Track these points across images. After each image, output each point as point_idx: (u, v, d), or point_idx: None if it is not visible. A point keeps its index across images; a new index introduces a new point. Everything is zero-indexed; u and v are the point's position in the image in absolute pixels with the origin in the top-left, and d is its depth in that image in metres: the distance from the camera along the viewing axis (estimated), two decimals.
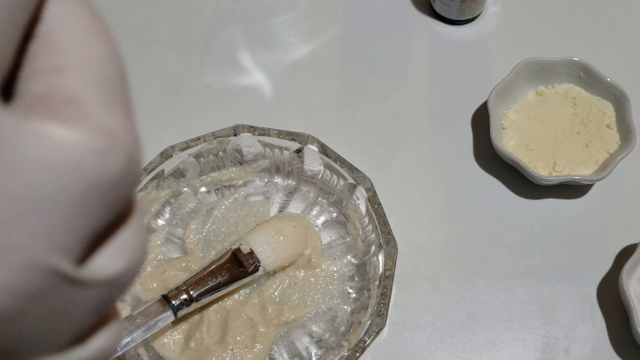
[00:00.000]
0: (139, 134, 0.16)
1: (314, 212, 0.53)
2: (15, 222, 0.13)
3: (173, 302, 0.44)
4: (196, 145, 0.50)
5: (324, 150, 0.50)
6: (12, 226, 0.13)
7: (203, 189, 0.53)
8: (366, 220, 0.50)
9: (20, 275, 0.13)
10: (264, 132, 0.51)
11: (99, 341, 0.16)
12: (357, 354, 0.45)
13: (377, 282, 0.47)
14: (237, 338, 0.47)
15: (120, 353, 0.43)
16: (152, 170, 0.49)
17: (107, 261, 0.15)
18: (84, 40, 0.15)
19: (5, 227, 0.13)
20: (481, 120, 0.58)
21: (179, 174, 0.51)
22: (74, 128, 0.14)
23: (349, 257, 0.51)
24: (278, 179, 0.54)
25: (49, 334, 0.15)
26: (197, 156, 0.51)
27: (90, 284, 0.15)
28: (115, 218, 0.15)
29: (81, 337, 0.15)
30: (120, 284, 0.16)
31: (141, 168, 0.16)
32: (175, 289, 0.45)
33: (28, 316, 0.14)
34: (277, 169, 0.53)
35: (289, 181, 0.54)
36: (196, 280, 0.46)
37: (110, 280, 0.15)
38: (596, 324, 0.51)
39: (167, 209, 0.52)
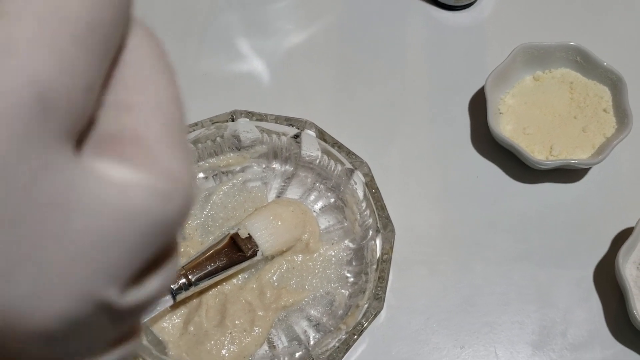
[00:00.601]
0: (195, 173, 0.17)
1: (312, 197, 0.53)
2: (79, 256, 0.14)
3: (172, 286, 0.45)
4: (194, 131, 0.50)
5: (322, 135, 0.50)
6: (75, 260, 0.14)
7: (201, 175, 0.53)
8: (364, 205, 0.50)
9: (75, 304, 0.14)
10: (261, 117, 0.51)
11: (154, 283, 0.17)
12: (355, 337, 0.45)
13: (375, 266, 0.47)
14: (236, 322, 0.47)
15: None
16: None
17: (149, 289, 0.16)
18: (153, 77, 0.16)
19: (68, 259, 0.14)
20: (478, 105, 0.58)
21: None
22: (140, 171, 0.14)
23: (346, 241, 0.51)
24: (276, 165, 0.54)
25: (89, 347, 0.16)
26: (195, 142, 0.51)
27: (132, 311, 0.16)
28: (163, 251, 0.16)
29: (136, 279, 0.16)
30: (152, 304, 0.17)
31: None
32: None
33: (74, 336, 0.15)
34: (274, 154, 0.53)
35: (287, 167, 0.54)
36: (195, 265, 0.46)
37: (148, 305, 0.16)
38: (593, 307, 0.51)
39: None
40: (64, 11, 0.13)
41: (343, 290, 0.50)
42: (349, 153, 0.50)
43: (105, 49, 0.14)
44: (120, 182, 0.14)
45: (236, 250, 0.47)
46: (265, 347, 0.48)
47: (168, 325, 0.48)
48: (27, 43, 0.13)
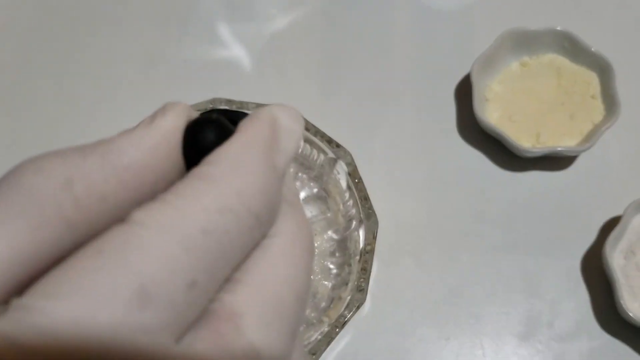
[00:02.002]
0: (292, 350, 0.17)
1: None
2: None
3: None
4: None
5: (304, 124, 0.49)
6: None
7: None
8: (347, 195, 0.49)
9: None
10: (242, 105, 0.49)
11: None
12: (337, 330, 0.44)
13: (358, 258, 0.46)
14: None
15: None
16: None
17: None
18: (272, 261, 0.17)
19: None
20: (465, 92, 0.57)
21: None
22: (224, 346, 0.15)
23: (329, 232, 0.50)
24: None
25: None
26: None
27: None
28: None
29: None
30: None
31: None
32: None
33: None
34: None
35: None
36: None
37: None
38: (580, 297, 0.51)
39: None
40: (185, 227, 0.15)
41: (326, 282, 0.49)
42: (331, 142, 0.48)
43: (225, 257, 0.16)
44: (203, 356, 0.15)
45: None
46: None
47: None
48: (140, 250, 0.14)
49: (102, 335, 0.13)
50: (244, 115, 0.20)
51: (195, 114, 0.19)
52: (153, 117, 0.18)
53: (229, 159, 0.17)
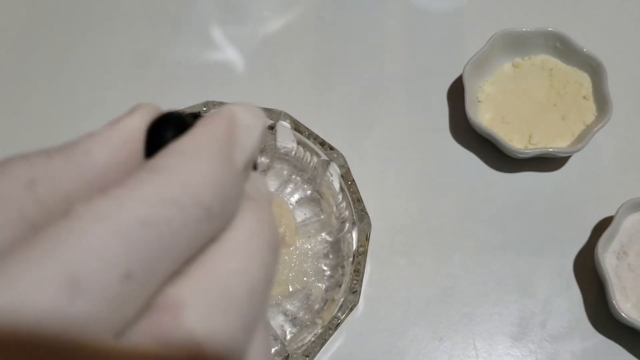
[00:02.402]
0: (244, 344, 0.17)
1: (288, 189, 0.52)
2: None
3: None
4: None
5: (297, 126, 0.49)
6: None
7: None
8: (340, 197, 0.49)
9: None
10: None
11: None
12: (331, 331, 0.44)
13: (351, 259, 0.47)
14: None
15: None
16: None
17: None
18: (224, 254, 0.17)
19: None
20: (457, 93, 0.57)
21: None
22: (162, 338, 0.15)
23: (323, 234, 0.50)
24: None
25: None
26: None
27: None
28: None
29: None
30: None
31: None
32: None
33: None
34: (258, 163, 0.52)
35: (262, 159, 0.53)
36: None
37: None
38: (573, 297, 0.51)
39: None
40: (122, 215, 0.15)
41: (319, 284, 0.49)
42: (324, 144, 0.49)
43: (161, 254, 0.15)
44: (142, 355, 0.14)
45: None
46: None
47: None
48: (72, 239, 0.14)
49: (28, 323, 0.13)
50: None
51: (157, 109, 0.19)
52: (119, 117, 0.18)
53: (179, 152, 0.16)
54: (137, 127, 0.18)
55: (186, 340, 0.15)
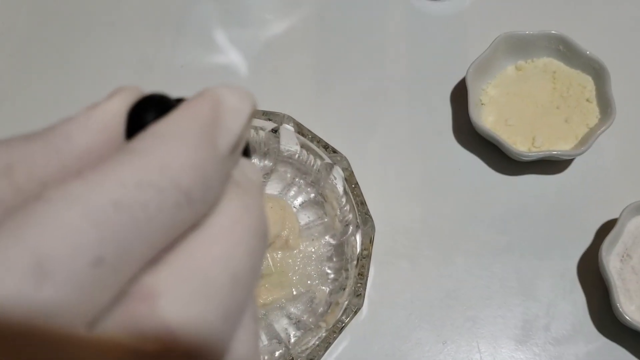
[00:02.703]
0: (226, 333, 0.16)
1: (292, 192, 0.52)
2: None
3: None
4: None
5: (300, 129, 0.49)
6: None
7: None
8: (344, 200, 0.49)
9: None
10: None
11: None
12: (335, 335, 0.44)
13: (355, 262, 0.47)
14: None
15: None
16: None
17: None
18: (205, 240, 0.16)
19: None
20: (460, 96, 0.57)
21: None
22: (135, 327, 0.14)
23: (327, 237, 0.50)
24: (254, 160, 0.53)
25: None
26: None
27: None
28: None
29: None
30: None
31: None
32: None
33: None
34: (253, 149, 0.52)
35: (266, 162, 0.53)
36: None
37: None
38: (576, 300, 0.51)
39: None
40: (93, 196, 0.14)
41: (323, 287, 0.49)
42: (327, 147, 0.49)
43: (143, 235, 0.14)
44: (115, 346, 0.14)
45: None
46: None
47: None
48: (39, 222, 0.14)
49: None
50: None
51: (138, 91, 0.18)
52: (99, 101, 0.17)
53: (158, 134, 0.16)
54: (117, 109, 0.17)
55: (160, 330, 0.14)
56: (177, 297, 0.15)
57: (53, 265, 0.13)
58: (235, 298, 0.16)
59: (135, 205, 0.14)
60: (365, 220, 0.47)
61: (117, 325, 0.14)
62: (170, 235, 0.15)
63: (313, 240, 0.50)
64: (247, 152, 0.20)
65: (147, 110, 0.17)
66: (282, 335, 0.48)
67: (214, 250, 0.16)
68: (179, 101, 0.18)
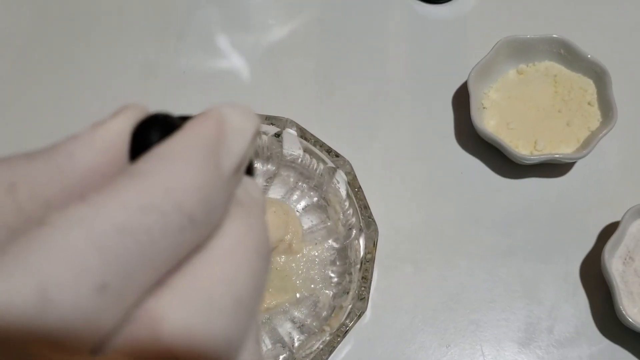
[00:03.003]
0: (231, 353, 0.16)
1: (295, 196, 0.52)
2: None
3: None
4: None
5: (303, 134, 0.49)
6: None
7: None
8: (347, 204, 0.49)
9: None
10: None
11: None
12: (339, 339, 0.44)
13: (358, 266, 0.47)
14: None
15: None
16: None
17: None
18: (208, 262, 0.16)
19: None
20: (462, 100, 0.58)
21: None
22: (139, 354, 0.14)
23: (330, 241, 0.51)
24: (257, 164, 0.53)
25: None
26: None
27: None
28: None
29: None
30: None
31: None
32: None
33: None
34: (256, 154, 0.52)
35: (269, 166, 0.53)
36: None
37: None
38: (579, 303, 0.51)
39: None
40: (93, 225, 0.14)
41: (327, 291, 0.49)
42: (330, 152, 0.49)
43: (143, 264, 0.14)
44: None
45: None
46: None
47: None
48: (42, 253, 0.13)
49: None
50: None
51: (143, 110, 0.18)
52: (104, 119, 0.17)
53: (162, 155, 0.15)
54: (121, 129, 0.17)
55: (164, 356, 0.14)
56: (180, 321, 0.15)
57: (57, 291, 0.13)
58: (239, 321, 0.16)
59: (139, 229, 0.14)
60: (368, 223, 0.47)
61: (121, 350, 0.14)
62: (174, 258, 0.15)
63: (316, 244, 0.50)
64: (250, 170, 0.20)
65: (152, 130, 0.17)
66: (286, 339, 0.48)
67: (217, 273, 0.16)
68: (183, 119, 0.18)
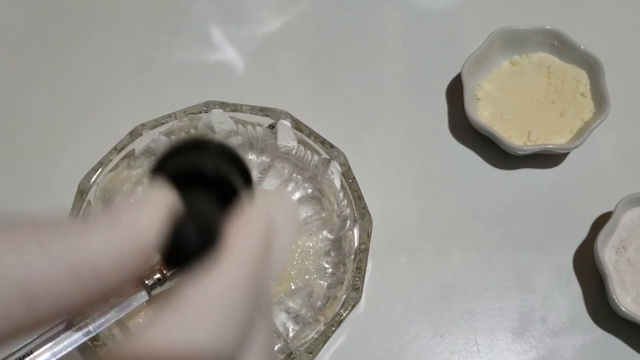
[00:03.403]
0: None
1: (289, 188, 0.53)
2: None
3: (147, 282, 0.44)
4: (167, 122, 0.49)
5: (297, 125, 0.49)
6: None
7: None
8: (341, 195, 0.49)
9: None
10: (235, 108, 0.50)
11: None
12: (333, 328, 0.45)
13: (353, 257, 0.47)
14: None
15: (94, 334, 0.43)
16: (122, 149, 0.48)
17: None
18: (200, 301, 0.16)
19: None
20: (456, 91, 0.58)
21: (150, 152, 0.50)
22: None
23: (324, 232, 0.51)
24: (252, 156, 0.53)
25: None
26: (168, 134, 0.50)
27: None
28: None
29: None
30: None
31: None
32: (149, 268, 0.45)
33: None
34: (250, 145, 0.52)
35: (263, 158, 0.53)
36: None
37: None
38: (572, 293, 0.51)
39: (139, 188, 0.51)
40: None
41: (321, 282, 0.49)
42: (324, 143, 0.49)
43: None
44: None
45: None
46: None
47: (145, 321, 0.47)
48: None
49: None
50: (230, 153, 0.19)
51: (175, 207, 0.18)
52: (130, 212, 0.17)
53: (208, 300, 0.16)
54: (148, 226, 0.16)
55: None
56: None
57: None
58: (230, 333, 0.16)
59: None
60: (362, 214, 0.47)
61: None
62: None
63: (311, 235, 0.51)
64: (247, 179, 0.20)
65: (190, 238, 0.17)
66: (281, 329, 0.48)
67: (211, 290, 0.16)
68: (224, 151, 0.18)
